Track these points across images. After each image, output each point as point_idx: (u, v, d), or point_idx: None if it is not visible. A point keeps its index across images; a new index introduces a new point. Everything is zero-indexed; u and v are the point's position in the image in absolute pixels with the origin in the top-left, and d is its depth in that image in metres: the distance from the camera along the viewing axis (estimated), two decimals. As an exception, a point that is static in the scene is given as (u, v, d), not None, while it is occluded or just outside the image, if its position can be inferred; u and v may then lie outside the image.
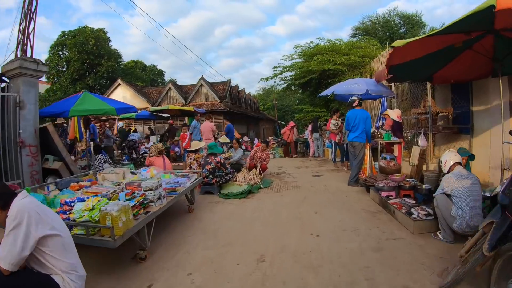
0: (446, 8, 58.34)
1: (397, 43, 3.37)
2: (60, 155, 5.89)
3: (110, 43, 27.71)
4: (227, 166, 5.95)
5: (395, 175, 4.99)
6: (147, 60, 75.83)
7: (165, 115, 14.96)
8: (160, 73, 37.86)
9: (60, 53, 25.62)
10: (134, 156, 9.98)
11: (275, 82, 16.00)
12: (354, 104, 5.81)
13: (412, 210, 3.73)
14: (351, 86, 7.34)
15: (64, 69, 25.34)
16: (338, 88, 7.55)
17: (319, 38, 14.96)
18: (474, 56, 3.95)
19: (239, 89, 20.99)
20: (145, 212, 3.03)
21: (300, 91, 16.64)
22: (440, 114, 5.81)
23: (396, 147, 6.26)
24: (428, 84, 5.66)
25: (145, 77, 33.06)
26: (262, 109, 36.92)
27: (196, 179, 4.57)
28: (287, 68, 14.35)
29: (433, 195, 3.32)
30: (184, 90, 19.41)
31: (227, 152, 7.61)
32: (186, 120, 16.62)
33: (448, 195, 3.06)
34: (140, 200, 2.99)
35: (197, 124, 8.49)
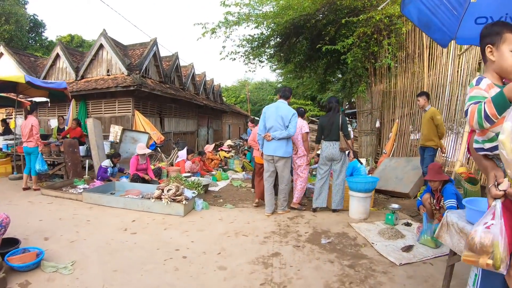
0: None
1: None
2: None
3: (25, 6, 21.66)
4: None
5: None
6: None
7: (43, 99, 7.34)
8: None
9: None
10: None
11: (225, 39, 8.01)
12: None
13: None
14: None
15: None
16: None
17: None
18: None
19: (177, 61, 12.32)
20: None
21: (270, 64, 9.26)
22: None
23: None
24: None
25: (75, 54, 25.97)
26: (233, 102, 30.51)
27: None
28: (253, 17, 6.85)
29: None
30: (82, 58, 11.41)
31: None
32: (72, 109, 8.78)
33: None
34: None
35: None
